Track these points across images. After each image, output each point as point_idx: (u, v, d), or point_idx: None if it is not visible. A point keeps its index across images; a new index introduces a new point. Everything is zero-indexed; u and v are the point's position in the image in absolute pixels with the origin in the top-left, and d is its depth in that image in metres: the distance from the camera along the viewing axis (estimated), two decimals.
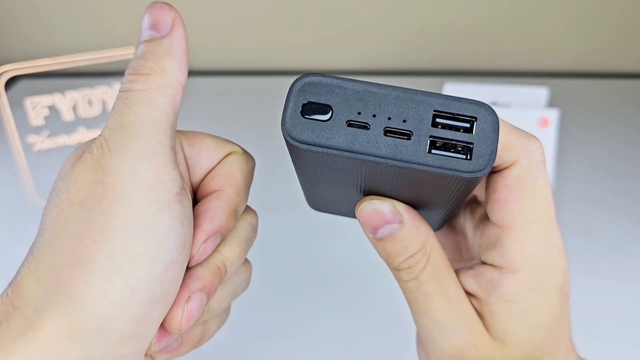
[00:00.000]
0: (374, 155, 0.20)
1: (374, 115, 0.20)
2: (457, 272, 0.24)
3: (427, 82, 0.78)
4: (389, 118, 0.20)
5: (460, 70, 0.84)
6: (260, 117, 0.72)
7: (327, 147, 0.20)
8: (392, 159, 0.20)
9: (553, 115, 0.55)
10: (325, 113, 0.20)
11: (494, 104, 0.59)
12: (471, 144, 0.20)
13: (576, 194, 0.59)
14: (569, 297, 0.23)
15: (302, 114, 0.20)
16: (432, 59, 0.84)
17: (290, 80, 0.20)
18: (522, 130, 0.22)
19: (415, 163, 0.20)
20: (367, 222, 0.23)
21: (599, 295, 0.48)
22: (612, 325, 0.46)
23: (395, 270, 0.23)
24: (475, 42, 0.83)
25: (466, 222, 0.26)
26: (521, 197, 0.21)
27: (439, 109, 0.20)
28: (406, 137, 0.20)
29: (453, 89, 0.61)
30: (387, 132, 0.20)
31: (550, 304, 0.22)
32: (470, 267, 0.24)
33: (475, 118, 0.20)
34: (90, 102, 0.53)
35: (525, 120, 0.55)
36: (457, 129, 0.20)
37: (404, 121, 0.20)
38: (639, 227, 0.55)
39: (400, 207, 0.23)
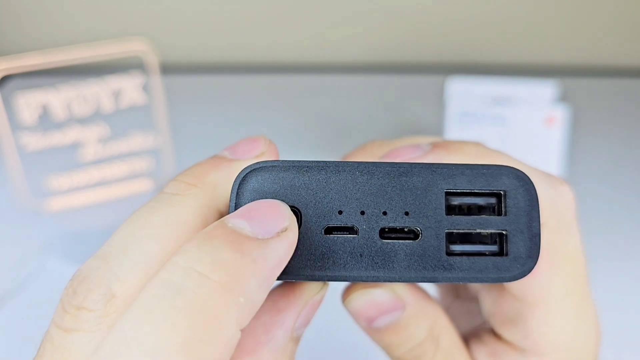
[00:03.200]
0: (372, 277, 0.14)
1: (362, 212, 0.14)
2: (466, 341, 0.20)
3: (429, 80, 0.76)
4: (384, 213, 0.14)
5: (464, 64, 0.82)
6: (259, 117, 0.71)
7: (301, 276, 0.14)
8: (398, 278, 0.14)
9: (561, 111, 0.53)
10: None
11: (497, 100, 0.57)
12: (504, 230, 0.14)
13: (587, 195, 0.58)
14: None
15: None
16: (434, 52, 0.82)
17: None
18: (547, 175, 0.17)
19: (430, 277, 0.14)
20: (360, 314, 0.18)
21: (615, 298, 0.47)
22: (631, 330, 0.45)
23: None
24: (481, 34, 0.81)
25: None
26: (549, 268, 0.17)
27: (452, 187, 0.14)
28: (412, 237, 0.14)
29: (457, 84, 0.59)
30: (385, 233, 0.14)
31: None
32: (482, 341, 0.20)
33: (504, 192, 0.14)
34: (85, 100, 0.51)
35: (531, 117, 0.54)
36: (478, 210, 0.14)
37: (406, 214, 0.14)
38: None
39: (402, 290, 0.18)
